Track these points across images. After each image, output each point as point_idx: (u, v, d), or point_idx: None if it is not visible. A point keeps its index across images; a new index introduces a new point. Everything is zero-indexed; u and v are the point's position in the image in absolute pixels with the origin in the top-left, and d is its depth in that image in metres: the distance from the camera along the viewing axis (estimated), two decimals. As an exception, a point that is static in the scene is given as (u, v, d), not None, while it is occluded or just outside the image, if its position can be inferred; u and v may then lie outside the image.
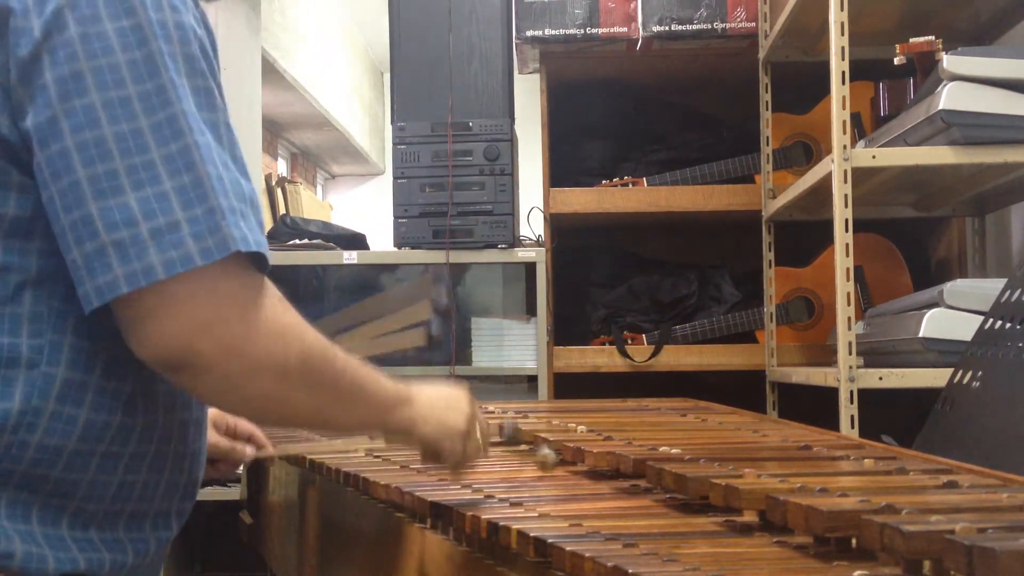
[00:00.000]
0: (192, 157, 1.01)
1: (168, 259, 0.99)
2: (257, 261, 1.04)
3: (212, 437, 1.55)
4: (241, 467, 2.14)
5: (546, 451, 1.45)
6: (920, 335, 2.39)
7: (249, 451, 1.64)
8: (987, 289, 2.28)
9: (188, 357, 1.00)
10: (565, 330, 3.62)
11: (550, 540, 0.97)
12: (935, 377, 2.30)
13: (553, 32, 3.47)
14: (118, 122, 1.00)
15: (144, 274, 0.98)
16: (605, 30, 3.46)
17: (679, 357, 3.49)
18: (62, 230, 1.01)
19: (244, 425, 1.63)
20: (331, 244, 3.54)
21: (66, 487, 1.06)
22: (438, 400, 1.26)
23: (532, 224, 3.63)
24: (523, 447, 1.58)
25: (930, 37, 2.59)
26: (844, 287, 2.45)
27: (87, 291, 1.00)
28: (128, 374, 1.09)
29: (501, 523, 1.05)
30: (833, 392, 2.46)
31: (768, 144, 3.39)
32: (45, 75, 1.01)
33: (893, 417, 2.61)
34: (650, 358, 3.46)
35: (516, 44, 3.49)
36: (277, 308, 1.06)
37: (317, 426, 1.42)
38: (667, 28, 3.43)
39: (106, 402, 1.08)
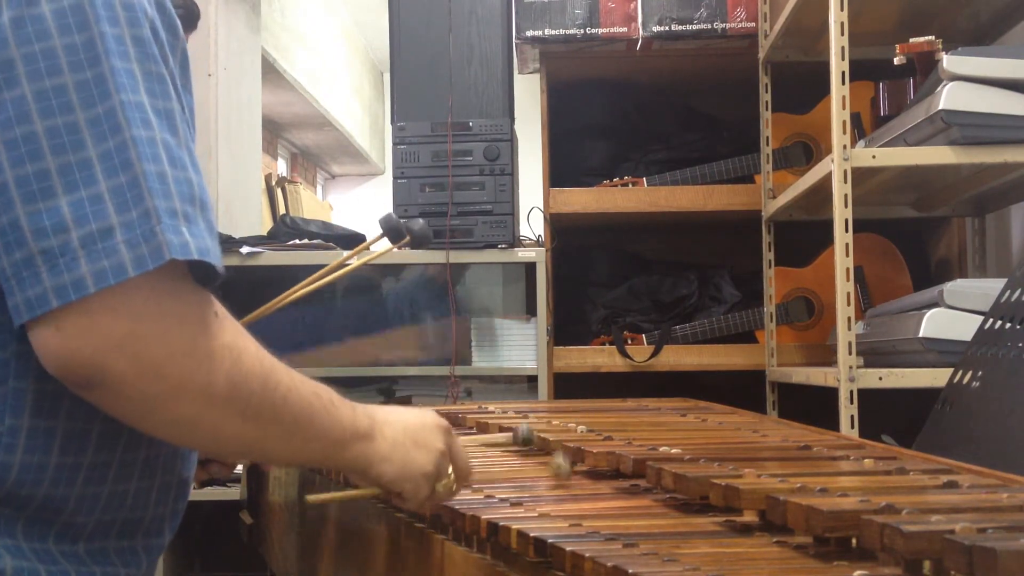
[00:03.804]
0: (129, 154, 0.92)
1: (99, 270, 0.90)
2: (203, 269, 0.95)
3: None
4: (240, 467, 2.13)
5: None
6: (920, 335, 2.39)
7: None
8: (987, 289, 2.28)
9: (97, 376, 0.91)
10: (565, 330, 3.62)
11: (550, 540, 0.97)
12: (935, 377, 2.30)
13: (553, 32, 3.47)
14: (51, 115, 0.91)
15: (74, 287, 0.89)
16: (605, 30, 3.46)
17: (679, 357, 3.49)
18: None
19: None
20: (331, 244, 3.54)
21: (55, 502, 1.00)
22: (404, 436, 1.14)
23: (532, 224, 3.63)
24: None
25: (930, 37, 2.59)
26: (844, 287, 2.45)
27: (17, 304, 0.91)
28: None
29: (501, 523, 1.05)
30: (833, 392, 2.46)
31: (768, 144, 3.39)
32: None
33: (893, 417, 2.62)
34: (650, 358, 3.46)
35: (516, 44, 3.49)
36: (212, 326, 0.95)
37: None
38: (667, 28, 3.43)
39: (83, 410, 1.00)
